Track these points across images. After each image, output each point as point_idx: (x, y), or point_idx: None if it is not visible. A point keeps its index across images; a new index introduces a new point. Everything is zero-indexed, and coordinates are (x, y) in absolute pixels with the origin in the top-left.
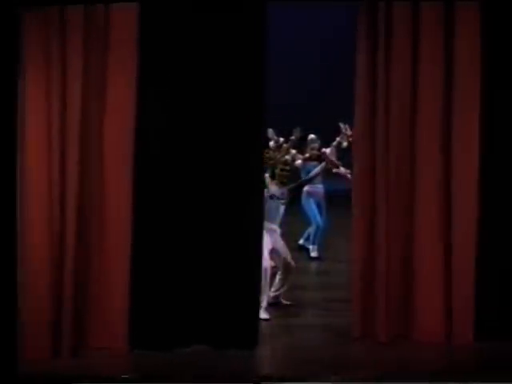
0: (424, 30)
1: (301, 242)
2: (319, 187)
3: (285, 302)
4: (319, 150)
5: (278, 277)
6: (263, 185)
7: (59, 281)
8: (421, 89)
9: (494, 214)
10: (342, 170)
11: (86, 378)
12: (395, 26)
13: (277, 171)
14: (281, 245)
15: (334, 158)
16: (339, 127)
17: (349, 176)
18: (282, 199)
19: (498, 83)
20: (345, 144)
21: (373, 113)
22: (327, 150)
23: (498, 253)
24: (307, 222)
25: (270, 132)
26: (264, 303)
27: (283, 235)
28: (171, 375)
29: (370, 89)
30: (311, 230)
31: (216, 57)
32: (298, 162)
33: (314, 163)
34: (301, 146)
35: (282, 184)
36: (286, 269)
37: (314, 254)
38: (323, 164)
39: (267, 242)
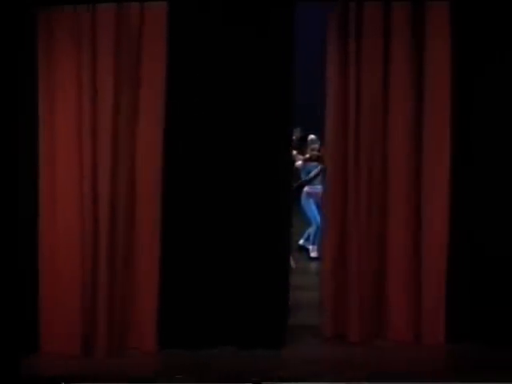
0: (395, 30)
1: (301, 242)
2: (319, 188)
3: None
4: (319, 150)
5: None
6: (290, 184)
7: (94, 281)
8: (392, 89)
9: (465, 215)
10: None
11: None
12: (366, 26)
13: None
14: None
15: None
16: None
17: None
18: None
19: (469, 83)
20: None
21: (344, 113)
22: None
23: (469, 253)
24: (307, 223)
25: None
26: None
27: None
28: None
29: (341, 89)
30: (311, 230)
31: (244, 55)
32: (299, 162)
33: (314, 164)
34: (301, 146)
35: None
36: None
37: (313, 254)
38: (323, 165)
39: None
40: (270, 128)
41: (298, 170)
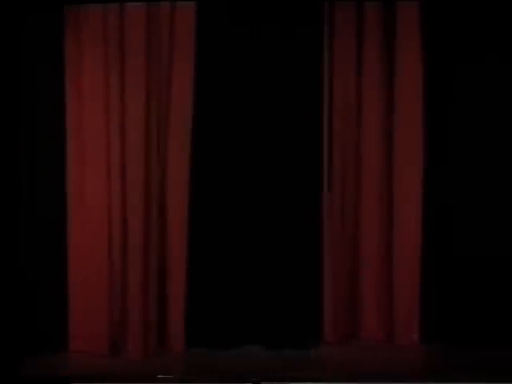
0: (367, 31)
1: None
2: None
3: None
4: None
5: None
6: (321, 183)
7: (123, 280)
8: (365, 89)
9: (438, 215)
10: None
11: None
12: (339, 26)
13: None
14: None
15: None
16: None
17: None
18: None
19: (440, 82)
20: None
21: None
22: None
23: (443, 253)
24: None
25: None
26: None
27: None
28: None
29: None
30: None
31: (273, 56)
32: None
33: None
34: None
35: None
36: None
37: None
38: None
39: None
40: (300, 128)
41: None
